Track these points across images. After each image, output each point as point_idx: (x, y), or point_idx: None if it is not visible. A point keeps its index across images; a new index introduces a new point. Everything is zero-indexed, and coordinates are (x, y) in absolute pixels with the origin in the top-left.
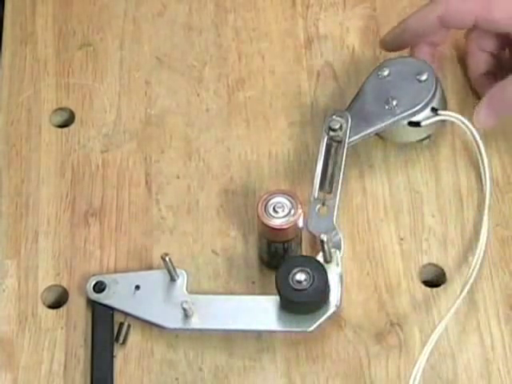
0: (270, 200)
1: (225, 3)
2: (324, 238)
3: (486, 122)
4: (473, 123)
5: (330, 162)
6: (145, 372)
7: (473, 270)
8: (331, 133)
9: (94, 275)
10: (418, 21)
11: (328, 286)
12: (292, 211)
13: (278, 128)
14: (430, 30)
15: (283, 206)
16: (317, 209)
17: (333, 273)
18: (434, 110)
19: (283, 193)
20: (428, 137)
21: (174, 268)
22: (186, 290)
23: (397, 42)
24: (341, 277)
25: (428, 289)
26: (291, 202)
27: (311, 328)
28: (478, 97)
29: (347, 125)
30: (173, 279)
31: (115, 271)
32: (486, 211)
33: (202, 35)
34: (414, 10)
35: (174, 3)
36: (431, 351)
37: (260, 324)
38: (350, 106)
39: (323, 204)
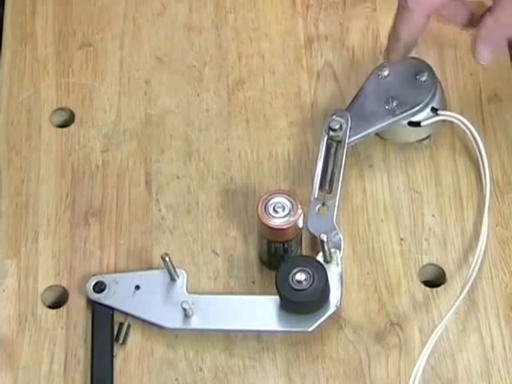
0: (270, 200)
1: (225, 3)
2: (324, 237)
3: (490, 55)
4: (475, 60)
5: (330, 162)
6: (145, 372)
7: (473, 269)
8: (331, 133)
9: (94, 275)
10: (408, 32)
11: (328, 286)
12: (292, 211)
13: (278, 128)
14: (422, 31)
15: (283, 206)
16: (317, 209)
17: (333, 273)
18: (433, 109)
19: (283, 193)
20: (428, 137)
21: (174, 268)
22: (186, 290)
23: (403, 56)
24: (341, 277)
25: (428, 289)
26: (291, 202)
27: (311, 328)
28: None
29: (347, 125)
30: (173, 279)
31: (115, 271)
32: (485, 211)
33: (201, 35)
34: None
35: (173, 3)
36: (431, 351)
37: (260, 324)
38: (350, 106)
39: (323, 204)
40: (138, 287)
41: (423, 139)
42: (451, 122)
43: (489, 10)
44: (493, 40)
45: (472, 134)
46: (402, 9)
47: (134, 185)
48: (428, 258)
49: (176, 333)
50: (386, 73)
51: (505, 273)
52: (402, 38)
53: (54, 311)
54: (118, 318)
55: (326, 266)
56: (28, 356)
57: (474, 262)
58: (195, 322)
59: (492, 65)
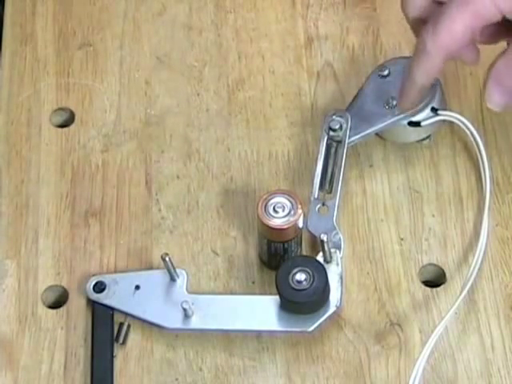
0: (270, 200)
1: (225, 3)
2: (324, 237)
3: (501, 100)
4: (487, 104)
5: (330, 162)
6: (145, 372)
7: (473, 269)
8: (331, 133)
9: (94, 275)
10: (424, 75)
11: (328, 286)
12: (292, 211)
13: (278, 128)
14: (438, 73)
15: (283, 206)
16: (317, 209)
17: (333, 273)
18: (433, 109)
19: (283, 193)
20: (428, 137)
21: (174, 268)
22: (186, 290)
23: (416, 99)
24: (341, 277)
25: (428, 289)
26: (291, 202)
27: (311, 328)
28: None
29: (347, 125)
30: (173, 279)
31: (115, 271)
32: (485, 211)
33: (202, 35)
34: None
35: (173, 3)
36: (431, 351)
37: (260, 324)
38: (350, 106)
39: (323, 204)
40: (137, 287)
41: (423, 139)
42: (451, 122)
43: (503, 52)
44: (504, 83)
45: (472, 134)
46: (420, 52)
47: (134, 185)
48: (428, 258)
49: (176, 333)
50: (386, 73)
51: (505, 273)
52: (418, 82)
53: (54, 311)
54: (118, 318)
55: (326, 265)
56: (28, 356)
57: (474, 261)
58: (195, 322)
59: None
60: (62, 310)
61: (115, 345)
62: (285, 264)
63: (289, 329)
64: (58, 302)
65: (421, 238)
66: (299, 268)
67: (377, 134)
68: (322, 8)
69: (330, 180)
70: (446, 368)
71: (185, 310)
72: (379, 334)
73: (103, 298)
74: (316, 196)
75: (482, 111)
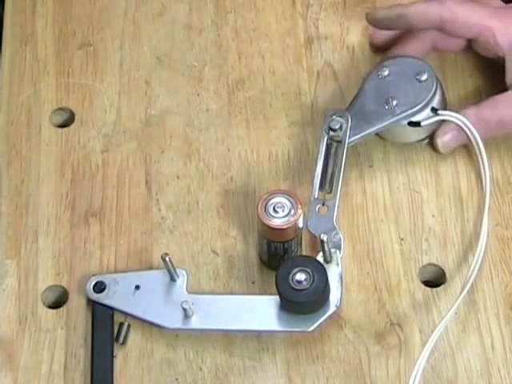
0: (270, 200)
1: (225, 3)
2: (324, 237)
3: (449, 145)
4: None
5: (330, 162)
6: (145, 372)
7: (473, 269)
8: (331, 133)
9: (94, 275)
10: (418, 15)
11: (328, 286)
12: (292, 211)
13: (278, 128)
14: (426, 27)
15: (283, 206)
16: (317, 209)
17: (333, 273)
18: (433, 109)
19: (283, 193)
20: (428, 137)
21: (174, 268)
22: (186, 290)
23: (386, 25)
24: (341, 277)
25: (428, 289)
26: (291, 202)
27: (311, 328)
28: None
29: (347, 125)
30: (173, 279)
31: (115, 271)
32: (485, 211)
33: (201, 35)
34: None
35: (173, 3)
36: (431, 351)
37: (260, 324)
38: (350, 106)
39: (323, 204)
40: (138, 287)
41: (423, 139)
42: (451, 122)
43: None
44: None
45: (472, 133)
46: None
47: (134, 185)
48: (428, 258)
49: (176, 333)
50: (386, 73)
51: (505, 273)
52: (407, 12)
53: (54, 311)
54: (118, 318)
55: (326, 265)
56: (28, 356)
57: (474, 262)
58: (195, 322)
59: (492, 64)
60: (62, 310)
61: (115, 345)
62: (285, 264)
63: (289, 329)
64: (58, 302)
65: (421, 238)
66: (299, 268)
67: (377, 134)
68: (321, 8)
69: (330, 180)
70: (445, 368)
71: (185, 310)
72: (379, 334)
73: (103, 298)
74: (316, 196)
75: None
